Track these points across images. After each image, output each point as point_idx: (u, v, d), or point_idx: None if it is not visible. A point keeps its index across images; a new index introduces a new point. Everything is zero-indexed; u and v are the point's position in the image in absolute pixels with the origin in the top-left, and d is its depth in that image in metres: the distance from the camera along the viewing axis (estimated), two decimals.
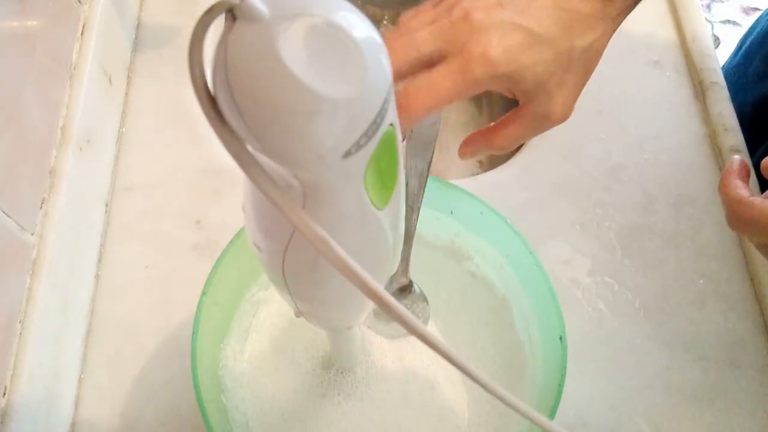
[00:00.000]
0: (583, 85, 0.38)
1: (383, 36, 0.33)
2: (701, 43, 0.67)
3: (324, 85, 0.20)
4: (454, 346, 0.26)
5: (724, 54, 0.79)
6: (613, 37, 0.38)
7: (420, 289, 0.49)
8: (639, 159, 0.63)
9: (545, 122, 0.38)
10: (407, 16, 0.38)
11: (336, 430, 0.48)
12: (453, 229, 0.50)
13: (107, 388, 0.52)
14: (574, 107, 0.38)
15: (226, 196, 0.59)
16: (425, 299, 0.49)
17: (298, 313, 0.35)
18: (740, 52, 0.73)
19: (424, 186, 0.45)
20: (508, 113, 0.39)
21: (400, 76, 0.35)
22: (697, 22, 0.69)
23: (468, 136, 0.40)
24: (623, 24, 0.38)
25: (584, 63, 0.37)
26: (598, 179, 0.62)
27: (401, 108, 0.32)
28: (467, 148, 0.41)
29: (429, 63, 0.35)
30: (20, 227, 0.47)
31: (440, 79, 0.34)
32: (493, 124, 0.39)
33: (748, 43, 0.72)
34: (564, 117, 0.38)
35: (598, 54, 0.38)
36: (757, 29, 0.71)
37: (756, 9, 1.74)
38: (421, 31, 0.36)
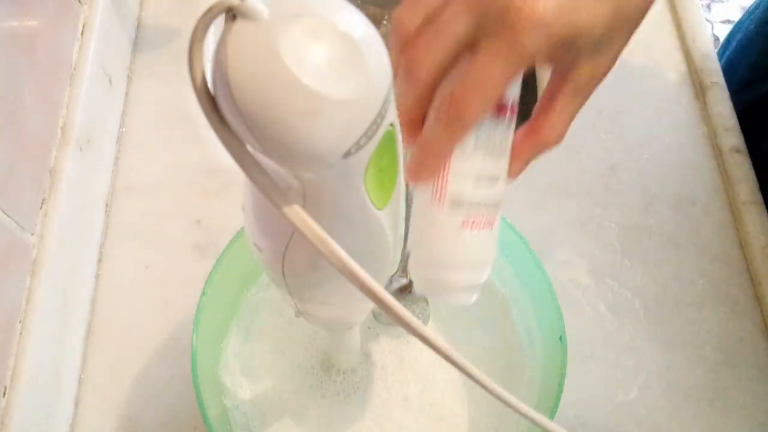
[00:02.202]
0: (628, 42, 0.32)
1: (399, 32, 0.29)
2: (701, 43, 0.67)
3: (324, 85, 0.20)
4: (453, 347, 0.26)
5: None
6: None
7: None
8: (639, 159, 0.63)
9: (590, 90, 0.32)
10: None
11: (336, 430, 0.48)
12: None
13: (107, 388, 0.52)
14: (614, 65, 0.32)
15: (226, 196, 0.59)
16: (425, 299, 0.49)
17: (298, 313, 0.35)
18: (723, 59, 0.72)
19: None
20: (542, 99, 0.33)
21: (437, 78, 0.29)
22: (697, 22, 0.69)
23: (513, 152, 0.33)
24: None
25: (634, 23, 0.31)
26: (598, 179, 0.62)
27: (450, 119, 0.28)
28: (519, 163, 0.33)
29: (467, 46, 0.29)
30: (20, 227, 0.47)
31: (487, 66, 0.28)
32: (527, 123, 0.33)
33: (730, 51, 0.71)
34: (603, 78, 0.32)
35: (641, 20, 0.31)
36: (738, 37, 0.70)
37: None
38: (448, 10, 0.29)
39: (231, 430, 0.45)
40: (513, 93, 0.31)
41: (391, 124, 0.24)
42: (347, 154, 0.22)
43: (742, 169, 0.60)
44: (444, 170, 0.32)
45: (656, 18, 0.71)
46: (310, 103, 0.20)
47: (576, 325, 0.54)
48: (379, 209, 0.27)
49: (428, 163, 0.30)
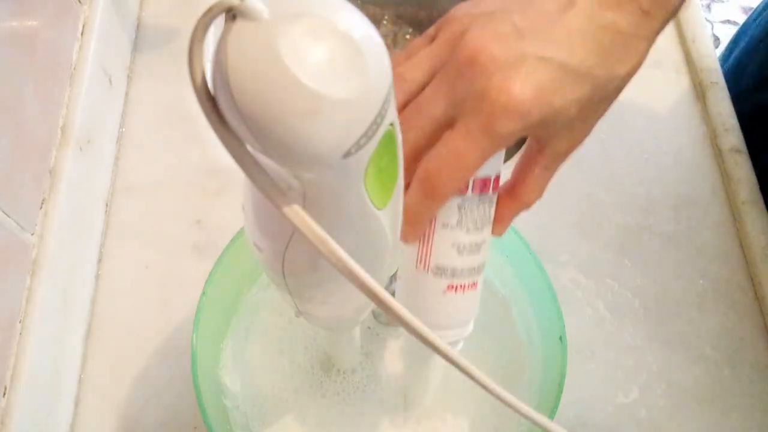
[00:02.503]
0: (605, 113, 0.32)
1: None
2: (701, 43, 0.67)
3: (324, 85, 0.20)
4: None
5: None
6: None
7: None
8: (639, 159, 0.63)
9: (566, 157, 0.33)
10: (399, 60, 0.31)
11: (336, 430, 0.48)
12: None
13: (107, 388, 0.52)
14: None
15: (226, 196, 0.59)
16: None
17: (298, 313, 0.35)
18: (730, 60, 0.72)
19: None
20: (519, 163, 0.33)
21: (418, 152, 0.29)
22: (697, 22, 0.69)
23: (495, 214, 0.34)
24: None
25: (617, 94, 0.31)
26: (598, 179, 0.62)
27: (426, 192, 0.29)
28: (502, 225, 0.34)
29: (447, 125, 0.29)
30: (20, 227, 0.47)
31: (461, 146, 0.28)
32: (507, 183, 0.34)
33: (737, 51, 0.71)
34: (582, 142, 0.33)
35: (619, 93, 0.31)
36: (743, 41, 0.70)
37: None
38: (428, 89, 0.30)
39: (231, 430, 0.45)
40: (495, 169, 0.32)
41: (391, 124, 0.24)
42: (347, 154, 0.22)
43: (742, 169, 0.60)
44: (428, 241, 0.33)
45: None
46: (310, 103, 0.20)
47: (576, 325, 0.54)
48: (379, 209, 0.26)
49: (410, 229, 0.31)
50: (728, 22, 1.75)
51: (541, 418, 0.28)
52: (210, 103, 0.21)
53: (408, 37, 0.86)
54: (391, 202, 0.27)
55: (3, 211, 0.44)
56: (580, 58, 0.28)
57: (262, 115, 0.20)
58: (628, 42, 0.29)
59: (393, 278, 0.48)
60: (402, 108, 0.30)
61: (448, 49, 0.30)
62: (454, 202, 0.32)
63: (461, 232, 0.33)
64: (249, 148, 0.22)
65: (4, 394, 0.44)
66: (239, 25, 0.20)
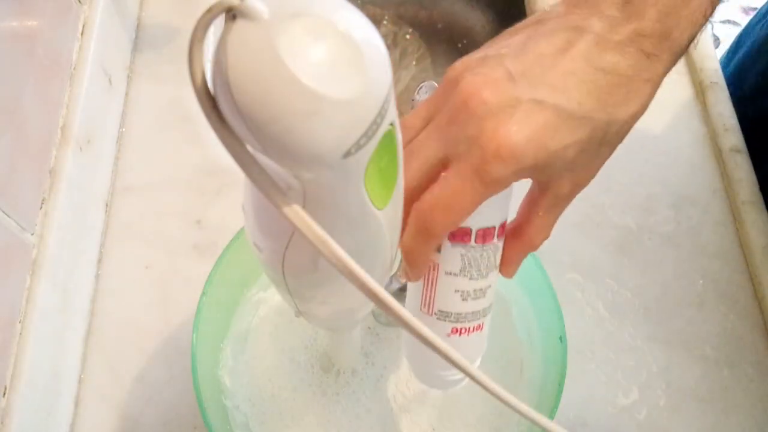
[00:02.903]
0: (611, 154, 0.31)
1: None
2: (701, 43, 0.67)
3: (324, 85, 0.20)
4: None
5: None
6: None
7: None
8: (639, 159, 0.63)
9: (570, 199, 0.32)
10: (404, 119, 0.31)
11: (336, 431, 0.48)
12: None
13: (107, 388, 0.52)
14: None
15: (226, 196, 0.59)
16: None
17: (298, 313, 0.35)
18: (732, 64, 0.71)
19: None
20: (523, 203, 0.33)
21: (415, 193, 0.30)
22: None
23: (503, 256, 0.34)
24: None
25: (622, 136, 0.30)
26: (598, 179, 0.62)
27: (419, 232, 0.29)
28: (511, 267, 0.34)
29: (442, 166, 0.29)
30: (20, 227, 0.47)
31: (454, 188, 0.28)
32: (513, 224, 0.33)
33: (740, 55, 0.70)
34: (585, 186, 0.31)
35: (632, 126, 0.30)
36: (748, 43, 0.70)
37: (756, 9, 1.74)
38: (423, 133, 0.30)
39: (231, 430, 0.45)
40: (500, 217, 0.32)
41: (391, 124, 0.24)
42: (347, 154, 0.22)
43: (742, 169, 0.60)
44: (432, 286, 0.33)
45: None
46: (310, 103, 0.20)
47: (576, 325, 0.54)
48: (379, 209, 0.26)
49: (411, 269, 0.32)
50: (728, 22, 1.75)
51: (541, 418, 0.28)
52: (210, 103, 0.21)
53: (408, 37, 0.86)
54: (391, 202, 0.27)
55: (3, 211, 0.44)
56: (576, 101, 0.28)
57: (262, 115, 0.20)
58: (629, 85, 0.28)
59: (393, 278, 0.48)
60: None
61: (443, 96, 0.30)
62: (457, 250, 0.32)
63: (465, 279, 0.33)
64: (249, 148, 0.22)
65: (4, 394, 0.44)
66: (239, 25, 0.20)
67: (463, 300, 0.33)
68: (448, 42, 0.86)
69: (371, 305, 0.36)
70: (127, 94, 0.64)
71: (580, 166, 0.30)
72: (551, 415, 0.41)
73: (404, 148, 0.29)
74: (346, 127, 0.21)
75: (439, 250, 0.32)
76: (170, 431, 0.50)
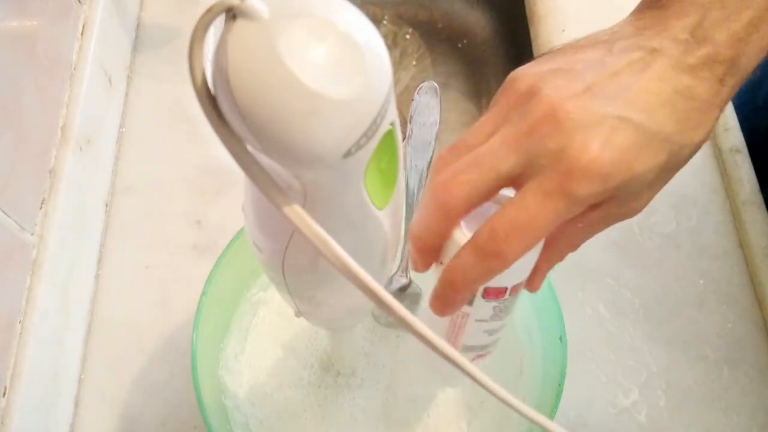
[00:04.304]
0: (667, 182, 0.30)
1: (437, 165, 0.28)
2: None
3: (324, 85, 0.20)
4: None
5: None
6: None
7: (420, 288, 0.49)
8: None
9: (618, 221, 0.30)
10: (464, 135, 0.29)
11: (335, 431, 0.48)
12: None
13: (107, 388, 0.52)
14: None
15: (226, 196, 0.59)
16: (425, 299, 0.49)
17: (298, 313, 0.35)
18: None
19: (424, 185, 0.45)
20: None
21: (470, 205, 0.27)
22: None
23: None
24: None
25: (686, 162, 0.29)
26: None
27: (487, 256, 0.26)
28: (537, 279, 0.32)
29: (509, 182, 0.27)
30: (20, 227, 0.47)
31: (533, 207, 0.26)
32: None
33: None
34: (637, 212, 0.30)
35: (699, 149, 0.29)
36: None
37: None
38: (491, 142, 0.27)
39: (231, 430, 0.45)
40: (531, 268, 0.31)
41: (391, 124, 0.24)
42: (347, 154, 0.22)
43: (742, 169, 0.60)
44: (459, 329, 0.32)
45: None
46: (310, 103, 0.20)
47: (576, 325, 0.54)
48: (379, 209, 0.27)
49: (454, 296, 0.28)
50: None
51: (541, 418, 0.28)
52: (210, 102, 0.21)
53: (408, 37, 0.86)
54: (391, 203, 0.27)
55: (3, 211, 0.44)
56: (658, 123, 0.27)
57: (262, 114, 0.20)
58: (703, 110, 0.28)
59: (392, 278, 0.48)
60: (457, 163, 0.28)
61: (514, 106, 0.28)
62: (490, 304, 0.31)
63: (494, 322, 0.32)
64: (249, 147, 0.22)
65: (4, 394, 0.44)
66: (239, 25, 0.20)
67: (489, 335, 0.33)
68: (448, 42, 0.86)
69: (371, 305, 0.36)
70: (127, 94, 0.64)
71: (648, 188, 0.28)
72: (551, 415, 0.41)
73: (468, 155, 0.28)
74: (346, 127, 0.21)
75: (470, 304, 0.31)
76: (170, 431, 0.50)
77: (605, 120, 0.26)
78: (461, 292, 0.28)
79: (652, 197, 0.30)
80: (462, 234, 0.29)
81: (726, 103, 0.29)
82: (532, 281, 0.32)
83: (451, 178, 0.27)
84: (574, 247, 0.31)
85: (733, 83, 0.28)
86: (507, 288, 0.30)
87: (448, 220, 0.28)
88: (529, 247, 0.27)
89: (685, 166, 0.29)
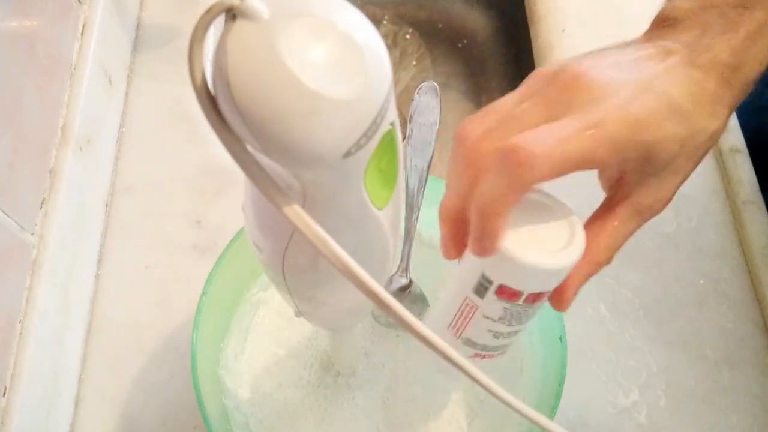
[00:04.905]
0: (686, 178, 0.31)
1: (458, 129, 0.28)
2: None
3: (324, 85, 0.20)
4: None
5: None
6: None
7: (420, 288, 0.49)
8: None
9: (647, 217, 0.31)
10: (492, 104, 0.29)
11: (336, 431, 0.48)
12: None
13: (107, 388, 0.52)
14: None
15: (226, 196, 0.59)
16: (425, 299, 0.49)
17: (298, 314, 0.35)
18: None
19: (424, 185, 0.45)
20: (592, 218, 0.31)
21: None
22: None
23: (560, 285, 0.30)
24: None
25: (704, 152, 0.30)
26: (598, 180, 0.62)
27: (517, 163, 0.25)
28: (567, 295, 0.30)
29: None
30: (20, 227, 0.47)
31: (570, 131, 0.26)
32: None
33: None
34: (661, 211, 0.31)
35: (710, 148, 0.30)
36: None
37: None
38: (523, 106, 0.28)
39: (231, 430, 0.45)
40: (555, 283, 0.30)
41: (391, 124, 0.24)
42: (347, 154, 0.22)
43: (742, 169, 0.60)
44: (465, 318, 0.32)
45: None
46: (310, 103, 0.20)
47: (576, 325, 0.54)
48: (379, 209, 0.27)
49: (488, 227, 0.27)
50: None
51: (541, 418, 0.28)
52: (210, 103, 0.21)
53: (408, 37, 0.86)
54: (391, 203, 0.27)
55: (3, 211, 0.44)
56: (679, 98, 0.28)
57: (262, 115, 0.20)
58: (713, 102, 0.29)
59: (392, 278, 0.48)
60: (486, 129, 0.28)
61: (542, 84, 0.28)
62: (501, 305, 0.30)
63: (502, 324, 0.31)
64: (249, 148, 0.22)
65: (4, 394, 0.44)
66: (239, 25, 0.20)
67: (494, 338, 0.32)
68: (448, 42, 0.86)
69: (371, 305, 0.36)
70: (127, 94, 0.64)
71: (670, 173, 0.29)
72: (551, 415, 0.41)
73: (501, 117, 0.28)
74: (346, 127, 0.21)
75: (482, 296, 0.30)
76: (170, 431, 0.50)
77: (632, 84, 0.27)
78: (492, 216, 0.27)
79: (674, 187, 0.30)
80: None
81: (733, 107, 0.30)
82: (562, 296, 0.31)
83: (473, 127, 0.28)
84: (609, 251, 0.31)
85: (738, 89, 0.30)
86: (523, 293, 0.29)
87: (478, 170, 0.28)
88: (557, 169, 0.26)
89: (702, 157, 0.30)
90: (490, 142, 0.27)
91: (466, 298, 0.31)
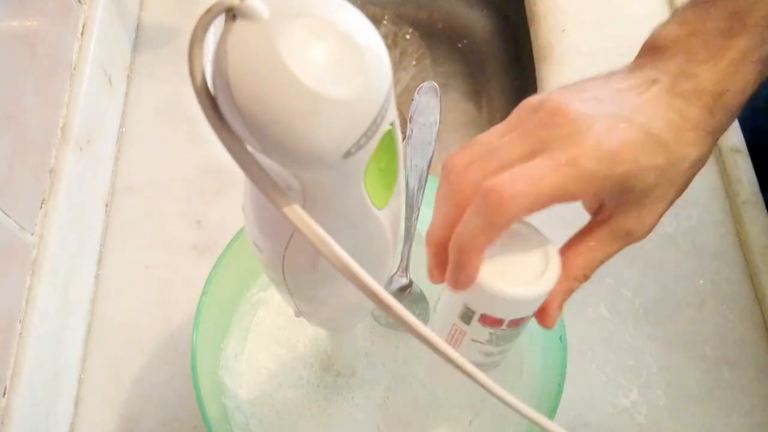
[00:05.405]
0: (671, 204, 0.31)
1: (446, 165, 0.29)
2: None
3: (324, 85, 0.20)
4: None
5: None
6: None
7: (420, 288, 0.49)
8: None
9: (628, 242, 0.31)
10: (477, 137, 0.30)
11: (336, 431, 0.48)
12: None
13: (107, 388, 0.52)
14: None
15: (226, 196, 0.59)
16: (425, 299, 0.49)
17: (298, 314, 0.35)
18: None
19: (424, 185, 0.45)
20: (574, 236, 0.32)
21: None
22: None
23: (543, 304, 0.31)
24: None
25: (688, 179, 0.31)
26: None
27: (492, 207, 0.27)
28: (550, 311, 0.32)
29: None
30: (20, 227, 0.47)
31: (543, 170, 0.27)
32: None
33: None
34: (643, 237, 0.31)
35: (695, 174, 0.31)
36: None
37: None
38: (504, 139, 0.29)
39: (231, 430, 0.45)
40: (534, 308, 0.31)
41: (391, 124, 0.24)
42: (347, 154, 0.22)
43: (742, 169, 0.60)
44: (455, 342, 0.33)
45: (656, 18, 0.71)
46: (310, 103, 0.20)
47: (576, 325, 0.54)
48: (379, 209, 0.27)
49: (462, 260, 0.28)
50: None
51: (541, 418, 0.28)
52: (210, 103, 0.21)
53: (408, 37, 0.86)
54: (391, 203, 0.27)
55: (3, 211, 0.44)
56: (657, 128, 0.29)
57: (262, 115, 0.20)
58: (696, 130, 0.30)
59: (392, 278, 0.48)
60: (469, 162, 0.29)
61: (526, 116, 0.29)
62: (486, 329, 0.31)
63: (490, 346, 0.32)
64: (249, 148, 0.22)
65: (4, 394, 0.44)
66: (239, 25, 0.20)
67: (486, 356, 0.33)
68: (448, 42, 0.86)
69: (371, 305, 0.36)
70: (127, 94, 0.64)
71: (651, 201, 0.30)
72: (551, 415, 0.41)
73: (484, 150, 0.29)
74: (346, 127, 0.21)
75: (467, 323, 0.31)
76: (170, 431, 0.50)
77: (610, 117, 0.28)
78: (468, 253, 0.28)
79: (657, 213, 0.31)
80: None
81: (717, 134, 0.31)
82: (545, 315, 0.32)
83: (466, 171, 0.29)
84: (587, 269, 0.32)
85: (721, 117, 0.31)
86: (504, 320, 0.31)
87: (463, 204, 0.29)
88: (531, 208, 0.27)
89: (685, 185, 0.31)
90: (471, 176, 0.28)
91: (454, 324, 0.32)
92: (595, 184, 0.28)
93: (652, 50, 0.33)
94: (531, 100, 0.30)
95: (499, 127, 0.30)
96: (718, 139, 0.32)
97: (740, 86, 0.31)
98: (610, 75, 0.32)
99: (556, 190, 0.27)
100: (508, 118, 0.30)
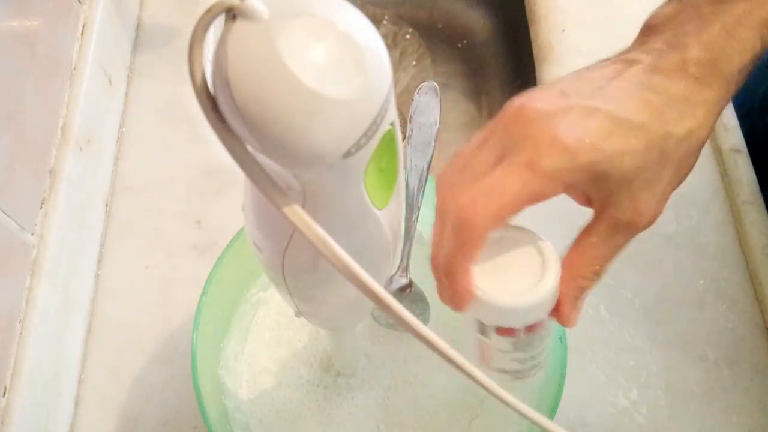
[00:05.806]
0: (679, 183, 0.31)
1: (439, 183, 0.30)
2: None
3: (324, 85, 0.20)
4: (454, 347, 0.26)
5: None
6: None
7: (420, 288, 0.49)
8: None
9: (630, 231, 0.30)
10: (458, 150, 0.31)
11: (336, 431, 0.48)
12: None
13: (107, 388, 0.52)
14: (662, 210, 0.31)
15: (226, 196, 0.59)
16: (425, 299, 0.49)
17: (298, 314, 0.35)
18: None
19: (424, 185, 0.45)
20: (579, 233, 0.31)
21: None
22: None
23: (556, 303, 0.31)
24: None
25: (682, 156, 0.30)
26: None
27: (458, 229, 0.27)
28: (564, 310, 0.31)
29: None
30: (20, 227, 0.47)
31: (504, 179, 0.27)
32: (566, 256, 0.31)
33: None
34: (651, 222, 0.31)
35: (699, 147, 0.30)
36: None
37: None
38: (477, 150, 0.29)
39: (231, 430, 0.45)
40: (547, 311, 0.31)
41: (391, 124, 0.24)
42: (347, 154, 0.22)
43: (742, 169, 0.60)
44: (484, 355, 0.33)
45: None
46: (310, 103, 0.20)
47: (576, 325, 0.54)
48: (379, 209, 0.27)
49: (450, 286, 0.29)
50: None
51: (541, 418, 0.28)
52: (210, 103, 0.21)
53: (408, 37, 0.86)
54: (391, 202, 0.27)
55: (3, 211, 0.44)
56: (630, 111, 0.28)
57: (262, 115, 0.20)
58: (681, 104, 0.29)
59: (392, 278, 0.48)
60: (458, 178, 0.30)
61: (497, 121, 0.30)
62: (505, 339, 0.31)
63: (519, 353, 0.32)
64: (249, 148, 0.22)
65: (4, 394, 0.44)
66: (239, 25, 0.20)
67: (520, 363, 0.33)
68: (448, 42, 0.86)
69: (371, 305, 0.36)
70: (127, 94, 0.64)
71: (640, 186, 0.29)
72: (551, 415, 0.41)
73: (461, 164, 0.29)
74: (346, 127, 0.21)
75: (487, 336, 0.31)
76: (170, 431, 0.50)
77: (572, 110, 0.28)
78: (452, 274, 0.29)
79: (653, 198, 0.30)
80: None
81: (715, 102, 0.30)
82: (560, 316, 0.31)
83: (455, 190, 0.28)
84: (594, 265, 0.31)
85: (718, 86, 0.30)
86: (516, 329, 0.30)
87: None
88: (499, 220, 0.27)
89: (686, 161, 0.30)
90: (453, 194, 0.28)
91: (477, 339, 0.32)
92: (561, 180, 0.27)
93: (644, 32, 0.32)
94: (506, 104, 0.30)
95: (477, 136, 0.30)
96: (722, 108, 0.30)
97: (737, 49, 0.30)
98: (591, 66, 0.31)
99: (520, 195, 0.27)
100: (486, 125, 0.31)
